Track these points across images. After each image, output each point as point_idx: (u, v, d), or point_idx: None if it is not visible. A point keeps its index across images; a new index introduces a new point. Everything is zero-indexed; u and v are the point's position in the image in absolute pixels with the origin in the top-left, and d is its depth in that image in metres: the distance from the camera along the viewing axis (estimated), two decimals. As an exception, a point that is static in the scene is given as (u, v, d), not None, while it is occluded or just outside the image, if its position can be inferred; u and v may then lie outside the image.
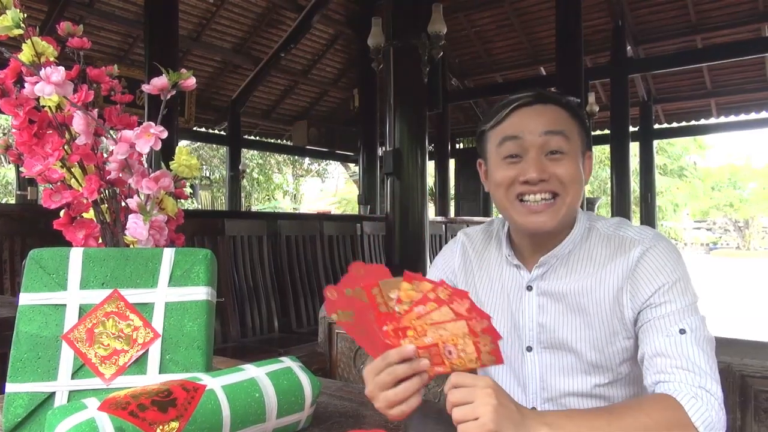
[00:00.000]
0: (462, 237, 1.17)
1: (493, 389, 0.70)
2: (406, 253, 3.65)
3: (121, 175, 0.85)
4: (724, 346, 1.17)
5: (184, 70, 0.88)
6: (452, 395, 0.71)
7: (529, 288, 1.01)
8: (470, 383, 0.70)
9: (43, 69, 0.80)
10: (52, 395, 0.73)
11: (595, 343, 0.96)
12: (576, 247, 0.99)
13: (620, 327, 0.94)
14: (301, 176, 22.43)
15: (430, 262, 1.33)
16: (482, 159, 1.05)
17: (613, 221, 1.02)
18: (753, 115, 8.89)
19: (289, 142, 10.70)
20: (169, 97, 0.89)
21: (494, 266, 1.08)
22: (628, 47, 7.88)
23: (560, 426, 0.72)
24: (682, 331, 0.86)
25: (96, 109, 0.86)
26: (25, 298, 0.76)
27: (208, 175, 18.78)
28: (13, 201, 11.04)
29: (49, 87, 0.79)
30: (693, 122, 9.51)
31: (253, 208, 19.10)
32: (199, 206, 17.81)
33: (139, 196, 0.85)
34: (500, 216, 1.09)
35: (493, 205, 1.07)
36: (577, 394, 0.98)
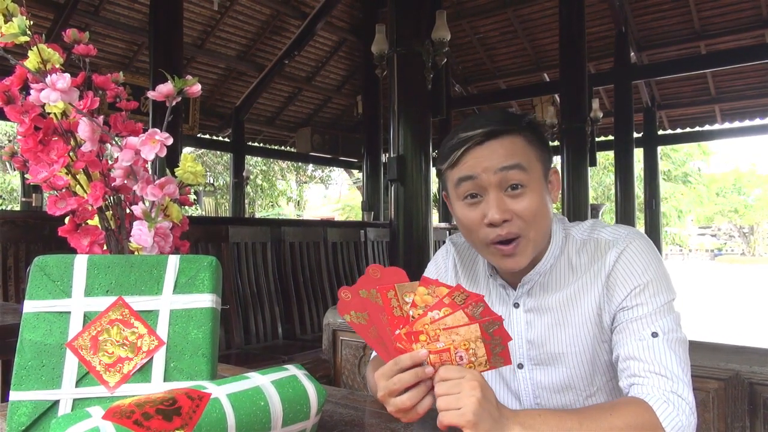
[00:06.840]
0: (451, 248, 1.15)
1: (479, 382, 0.71)
2: (410, 259, 3.64)
3: (126, 181, 0.85)
4: (732, 354, 1.16)
5: (189, 77, 0.88)
6: (439, 387, 0.73)
7: (516, 305, 1.01)
8: (457, 376, 0.72)
9: (48, 76, 0.80)
10: (56, 403, 0.73)
11: (584, 356, 0.95)
12: (556, 260, 0.99)
13: (607, 333, 0.94)
14: (305, 183, 22.49)
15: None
16: (445, 192, 1.02)
17: (586, 224, 1.01)
18: (757, 121, 8.90)
19: (292, 149, 10.74)
20: (174, 103, 0.88)
21: (481, 281, 1.08)
22: (632, 53, 7.90)
23: (533, 426, 0.73)
24: (655, 335, 0.86)
25: (101, 116, 0.85)
26: (29, 306, 0.76)
27: (211, 181, 18.82)
28: (18, 208, 11.08)
29: (54, 94, 0.79)
30: (697, 128, 9.52)
31: (257, 215, 19.13)
32: (203, 213, 17.86)
33: (144, 202, 0.85)
34: None
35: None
36: (572, 407, 0.97)
